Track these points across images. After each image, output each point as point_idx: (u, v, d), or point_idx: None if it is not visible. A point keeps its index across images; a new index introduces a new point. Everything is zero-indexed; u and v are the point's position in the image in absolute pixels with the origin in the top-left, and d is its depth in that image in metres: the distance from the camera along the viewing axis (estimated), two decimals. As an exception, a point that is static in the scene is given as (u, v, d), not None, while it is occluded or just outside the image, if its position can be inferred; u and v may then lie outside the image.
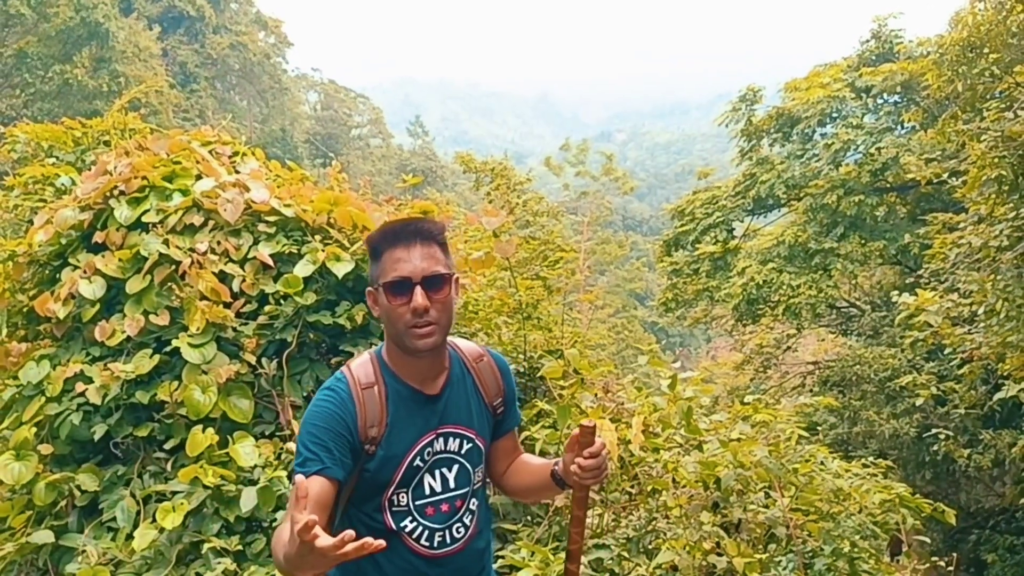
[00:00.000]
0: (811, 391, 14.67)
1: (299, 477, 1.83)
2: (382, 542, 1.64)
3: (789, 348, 17.32)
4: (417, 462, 2.12)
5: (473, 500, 2.23)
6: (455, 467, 2.19)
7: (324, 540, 1.61)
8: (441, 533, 2.17)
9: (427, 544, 2.15)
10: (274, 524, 3.67)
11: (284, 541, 1.80)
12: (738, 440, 4.26)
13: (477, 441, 2.23)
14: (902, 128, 15.68)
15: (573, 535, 2.29)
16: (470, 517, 2.23)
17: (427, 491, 2.15)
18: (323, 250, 4.15)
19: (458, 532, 2.20)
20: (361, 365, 2.15)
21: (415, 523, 2.14)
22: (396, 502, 2.12)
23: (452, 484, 2.18)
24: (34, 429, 3.97)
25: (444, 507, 2.17)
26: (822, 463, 4.64)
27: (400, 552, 2.13)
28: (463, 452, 2.20)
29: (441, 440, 2.16)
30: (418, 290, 2.02)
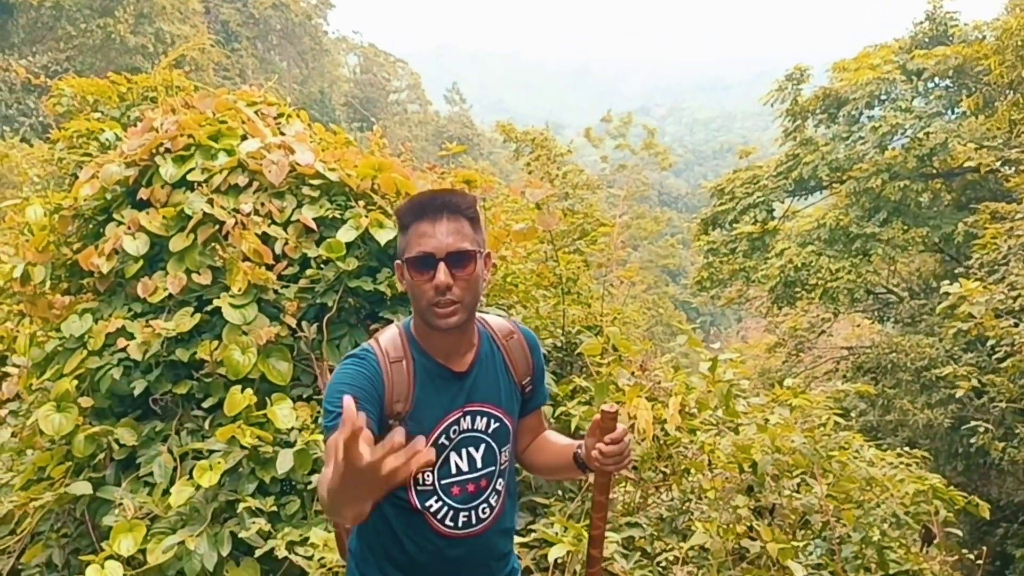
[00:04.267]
0: (844, 376, 14.53)
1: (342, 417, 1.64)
2: (430, 455, 1.50)
3: (823, 332, 17.14)
4: (443, 440, 2.07)
5: (499, 480, 2.18)
6: (482, 446, 2.13)
7: (366, 453, 1.47)
8: (466, 513, 2.12)
9: (451, 524, 2.11)
10: (309, 487, 3.69)
11: (328, 477, 1.66)
12: (775, 425, 4.21)
13: (505, 420, 2.17)
14: (952, 113, 15.35)
15: (595, 520, 2.24)
16: (496, 497, 2.17)
17: (453, 470, 2.10)
18: (366, 216, 4.12)
19: (483, 513, 2.15)
20: (390, 338, 2.08)
21: (440, 503, 2.09)
22: (421, 481, 2.07)
23: (479, 464, 2.13)
24: (75, 382, 4.00)
25: (470, 487, 2.12)
26: (857, 451, 4.59)
27: (423, 531, 2.10)
28: (490, 431, 2.14)
29: (468, 418, 2.10)
30: (441, 267, 1.94)
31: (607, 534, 3.64)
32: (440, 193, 2.03)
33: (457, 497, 2.10)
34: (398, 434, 1.51)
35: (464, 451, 2.11)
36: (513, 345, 2.22)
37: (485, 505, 2.15)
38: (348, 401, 1.51)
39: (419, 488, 2.08)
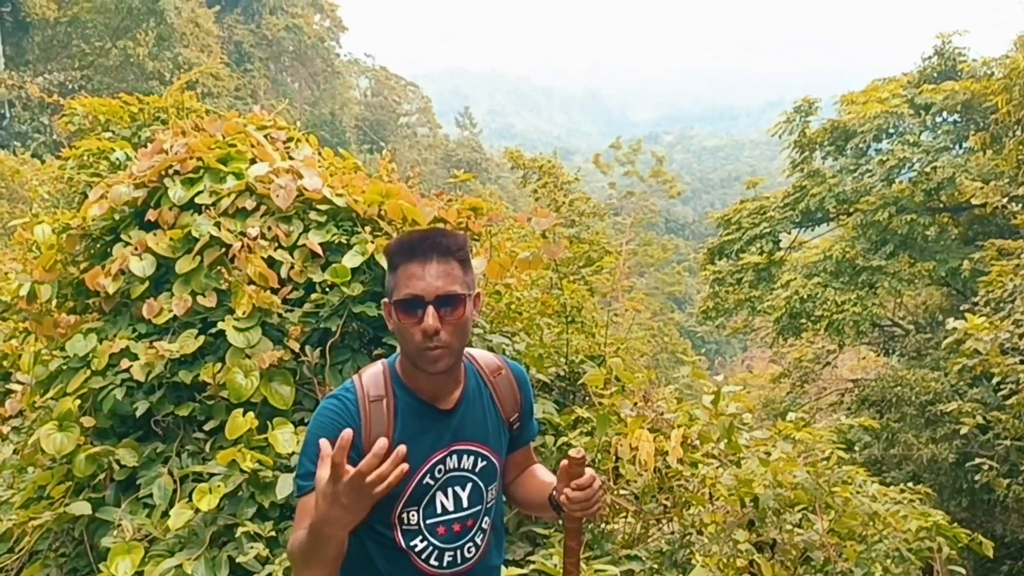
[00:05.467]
0: (848, 409, 14.46)
1: (303, 500, 1.92)
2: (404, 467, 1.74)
3: (828, 364, 17.09)
4: (427, 480, 2.05)
5: (486, 519, 2.15)
6: (468, 485, 2.10)
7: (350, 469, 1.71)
8: (452, 553, 2.09)
9: (436, 564, 2.08)
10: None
11: (300, 537, 1.86)
12: (778, 459, 4.19)
13: (492, 458, 2.14)
14: (960, 148, 15.37)
15: (568, 566, 2.20)
16: (482, 536, 2.15)
17: (439, 510, 2.07)
18: (372, 242, 4.14)
19: (469, 552, 2.12)
20: (372, 376, 2.07)
21: (425, 542, 2.07)
22: (406, 520, 2.05)
23: (465, 503, 2.10)
24: (78, 401, 4.00)
25: (456, 527, 2.09)
26: (860, 486, 4.57)
27: (408, 571, 2.07)
28: (477, 470, 2.11)
29: (454, 457, 2.08)
30: (430, 310, 1.91)
31: (606, 567, 3.62)
32: (430, 233, 2.01)
33: (443, 537, 2.08)
34: (381, 441, 1.71)
35: (450, 490, 2.08)
36: (501, 381, 2.20)
37: (471, 544, 2.12)
38: (325, 443, 1.74)
39: (404, 527, 2.06)
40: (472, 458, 2.11)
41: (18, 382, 5.18)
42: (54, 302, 4.43)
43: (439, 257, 1.96)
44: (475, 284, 2.05)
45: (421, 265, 1.95)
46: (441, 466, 2.06)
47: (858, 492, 4.43)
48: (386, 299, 2.04)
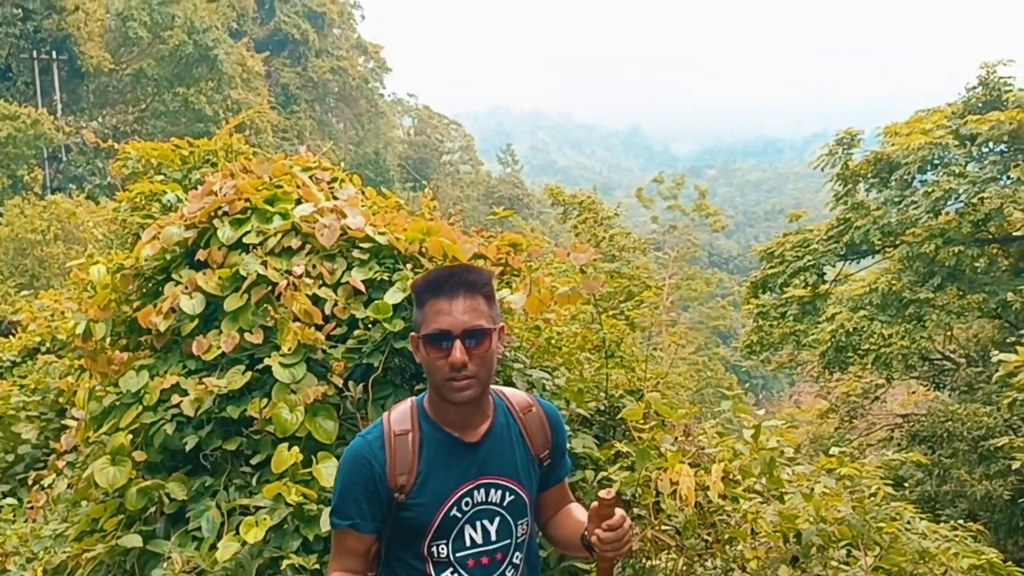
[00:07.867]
0: (899, 444, 14.18)
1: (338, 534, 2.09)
2: None
3: (877, 399, 16.79)
4: (455, 512, 2.09)
5: (517, 554, 2.18)
6: (496, 519, 2.14)
7: None
8: None
9: None
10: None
11: None
12: (821, 495, 4.15)
13: (521, 493, 2.17)
14: (1007, 178, 15.13)
15: None
16: (513, 572, 2.18)
17: (467, 543, 2.11)
18: (413, 278, 4.21)
19: None
20: (399, 412, 2.14)
21: (456, 575, 2.11)
22: (437, 553, 2.10)
23: (493, 537, 2.14)
24: (130, 436, 4.10)
25: (484, 560, 2.12)
26: (908, 522, 4.49)
27: None
28: (505, 504, 2.15)
29: (482, 491, 2.12)
30: (457, 344, 1.99)
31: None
32: (456, 270, 2.10)
33: (472, 570, 2.11)
34: None
35: (479, 524, 2.12)
36: (531, 419, 2.24)
37: None
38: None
39: (435, 560, 2.10)
40: (500, 492, 2.14)
41: (73, 418, 5.33)
42: (108, 340, 4.56)
43: (466, 293, 2.03)
44: (500, 318, 2.12)
45: (448, 301, 2.02)
46: (468, 499, 2.11)
47: (907, 529, 4.36)
48: (414, 333, 2.10)
